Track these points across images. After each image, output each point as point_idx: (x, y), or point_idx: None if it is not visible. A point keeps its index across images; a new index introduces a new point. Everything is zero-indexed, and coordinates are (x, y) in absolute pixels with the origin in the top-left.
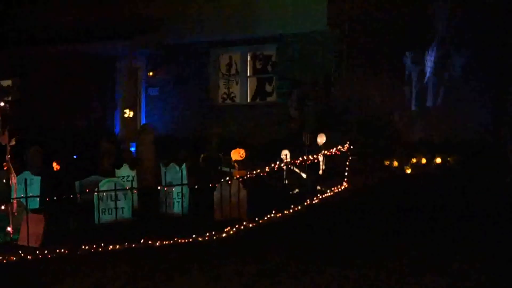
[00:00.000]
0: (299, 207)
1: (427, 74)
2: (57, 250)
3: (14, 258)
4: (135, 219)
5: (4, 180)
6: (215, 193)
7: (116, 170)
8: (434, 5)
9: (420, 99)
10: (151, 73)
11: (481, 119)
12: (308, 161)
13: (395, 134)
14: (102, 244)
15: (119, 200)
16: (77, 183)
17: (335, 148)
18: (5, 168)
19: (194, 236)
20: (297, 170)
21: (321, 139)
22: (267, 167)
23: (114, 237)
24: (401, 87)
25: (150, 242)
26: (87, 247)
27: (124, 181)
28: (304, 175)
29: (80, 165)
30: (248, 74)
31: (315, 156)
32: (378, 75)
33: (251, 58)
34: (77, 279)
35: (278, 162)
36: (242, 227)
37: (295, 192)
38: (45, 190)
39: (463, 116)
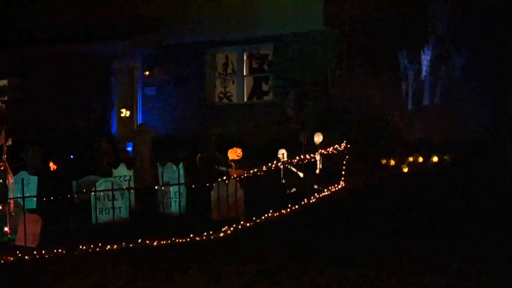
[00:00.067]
0: (297, 207)
1: (427, 74)
2: (55, 250)
3: (12, 259)
4: (133, 218)
5: (1, 180)
6: (212, 192)
7: (113, 170)
8: (434, 5)
9: (419, 99)
10: (147, 73)
11: (481, 119)
12: (305, 160)
13: (395, 134)
14: (100, 244)
15: (116, 200)
16: (74, 182)
17: (332, 147)
18: (1, 168)
19: (191, 235)
20: (294, 169)
21: (318, 138)
22: (264, 167)
23: (112, 237)
24: (401, 87)
25: (147, 242)
26: (84, 247)
27: (121, 180)
28: (301, 174)
29: (79, 165)
30: (245, 73)
31: (312, 155)
32: (378, 74)
33: (248, 57)
34: (76, 279)
35: (275, 162)
36: (239, 227)
37: (292, 191)
38: (43, 190)
39: (463, 115)
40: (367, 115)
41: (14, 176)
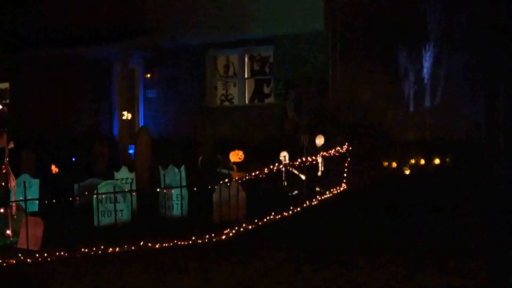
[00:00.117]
0: (298, 209)
1: (423, 75)
2: (57, 253)
3: (14, 261)
4: (135, 221)
5: (3, 183)
6: (214, 195)
7: (115, 172)
8: (428, 9)
9: (418, 99)
10: (148, 75)
11: (475, 117)
12: (306, 162)
13: (392, 134)
14: (102, 247)
15: (118, 203)
16: (75, 185)
17: (333, 150)
18: (3, 171)
19: (194, 238)
20: (296, 171)
21: (320, 140)
22: (266, 169)
23: (114, 240)
24: (397, 88)
25: (150, 244)
26: (86, 250)
27: (123, 183)
28: (303, 177)
29: (77, 168)
30: (246, 76)
31: (313, 157)
32: (375, 76)
33: (249, 59)
34: (78, 282)
35: (276, 164)
36: (241, 229)
37: (294, 193)
38: (44, 193)
39: (458, 115)
40: (365, 116)
41: (16, 179)
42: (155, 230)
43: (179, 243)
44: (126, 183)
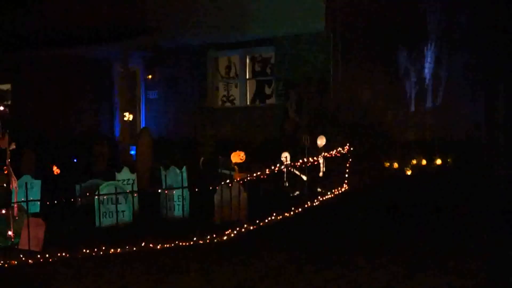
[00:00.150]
0: (300, 209)
1: (423, 75)
2: (58, 254)
3: (16, 262)
4: (136, 222)
5: (5, 184)
6: (215, 196)
7: (116, 173)
8: (428, 9)
9: (416, 99)
10: (150, 76)
11: (475, 117)
12: (308, 163)
13: (392, 134)
14: (103, 248)
15: (120, 204)
16: (77, 186)
17: (335, 150)
18: (5, 172)
19: (195, 239)
20: (297, 172)
21: (321, 141)
22: (267, 170)
23: (115, 241)
24: (398, 88)
25: (151, 245)
26: (88, 251)
27: (124, 184)
28: (304, 178)
29: (79, 168)
30: (247, 77)
31: (315, 158)
32: (376, 76)
33: (250, 60)
34: (79, 283)
35: (278, 165)
36: (243, 230)
37: (295, 194)
38: (45, 194)
39: (458, 115)
40: (367, 116)
41: (18, 180)
42: (157, 231)
43: (180, 244)
44: (127, 184)
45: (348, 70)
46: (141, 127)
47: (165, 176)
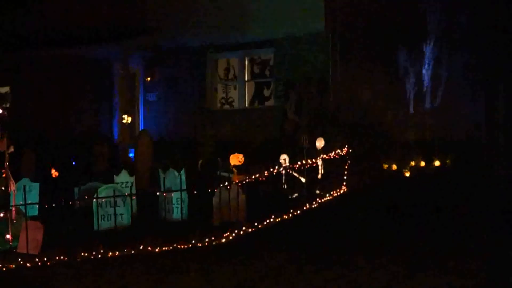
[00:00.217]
0: (299, 211)
1: (422, 75)
2: (57, 257)
3: (14, 266)
4: (134, 225)
5: (3, 187)
6: (214, 198)
7: (115, 176)
8: (428, 9)
9: (415, 99)
10: (148, 79)
11: (475, 117)
12: (307, 165)
13: (392, 134)
14: (102, 251)
15: (118, 207)
16: (75, 189)
17: (333, 152)
18: (3, 175)
19: (194, 241)
20: (296, 174)
21: (320, 143)
22: (266, 172)
23: (114, 243)
24: (398, 88)
25: (150, 248)
26: (86, 254)
27: (123, 187)
28: (303, 179)
29: (78, 169)
30: (246, 79)
31: (314, 160)
32: (375, 76)
33: (249, 62)
34: (78, 286)
35: (277, 167)
36: (241, 232)
37: (294, 196)
38: (44, 196)
39: (458, 115)
40: (367, 116)
41: (16, 183)
42: (155, 233)
43: (179, 246)
44: (126, 186)
45: (348, 70)
46: (141, 127)
47: (164, 178)
